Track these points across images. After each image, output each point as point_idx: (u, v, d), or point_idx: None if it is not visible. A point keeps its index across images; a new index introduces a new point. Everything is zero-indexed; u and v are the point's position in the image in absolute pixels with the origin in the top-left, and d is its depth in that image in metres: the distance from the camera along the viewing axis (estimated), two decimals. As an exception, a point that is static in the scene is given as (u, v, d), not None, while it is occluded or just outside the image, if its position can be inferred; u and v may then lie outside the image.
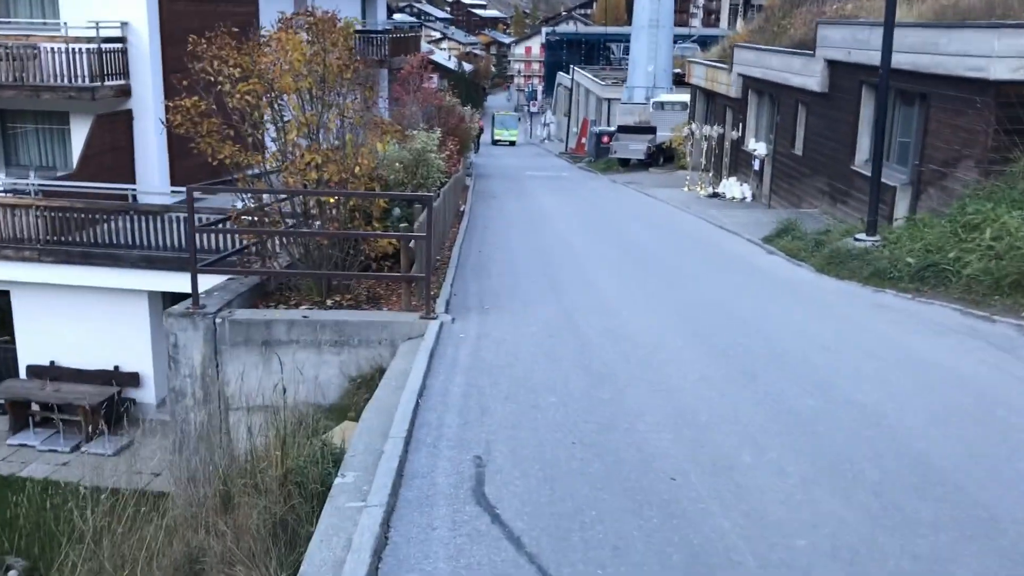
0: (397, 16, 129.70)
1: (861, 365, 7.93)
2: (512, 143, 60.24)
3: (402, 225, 11.90)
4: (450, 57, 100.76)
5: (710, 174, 25.24)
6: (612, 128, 36.72)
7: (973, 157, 13.34)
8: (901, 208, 15.37)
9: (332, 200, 10.68)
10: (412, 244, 10.41)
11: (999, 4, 15.86)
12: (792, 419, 6.64)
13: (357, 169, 10.82)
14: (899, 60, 15.39)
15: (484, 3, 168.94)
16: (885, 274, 11.21)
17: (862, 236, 12.62)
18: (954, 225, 11.38)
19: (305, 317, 9.23)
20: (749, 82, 24.04)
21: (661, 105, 35.33)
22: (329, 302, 10.34)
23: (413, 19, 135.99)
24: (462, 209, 20.75)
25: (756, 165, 22.90)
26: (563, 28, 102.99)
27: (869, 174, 16.75)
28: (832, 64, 18.46)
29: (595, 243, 16.10)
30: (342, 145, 10.88)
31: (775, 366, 7.95)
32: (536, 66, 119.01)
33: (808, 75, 19.27)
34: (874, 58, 16.29)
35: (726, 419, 6.62)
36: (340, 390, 8.89)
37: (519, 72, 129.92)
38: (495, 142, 59.76)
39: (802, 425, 6.51)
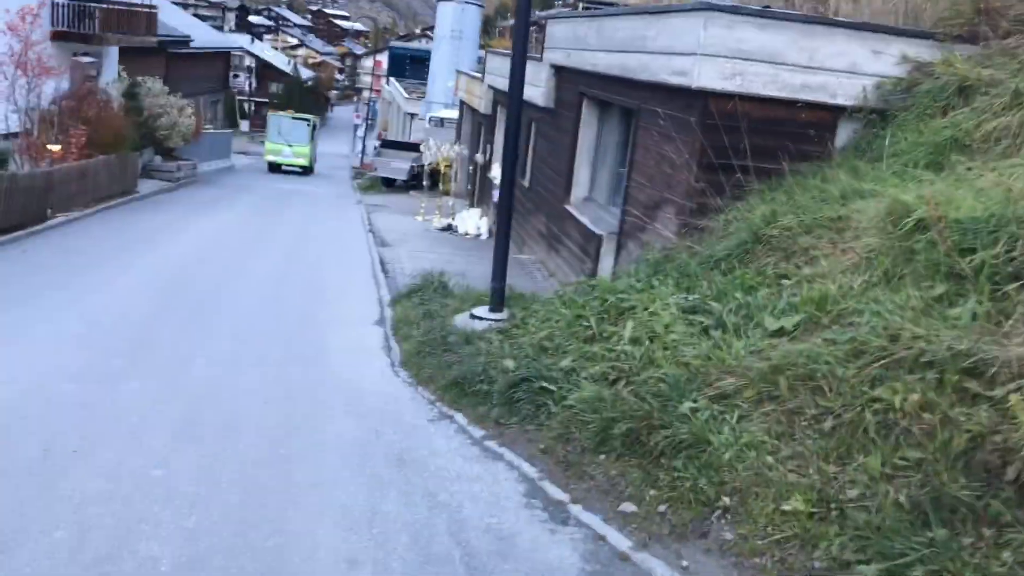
0: (252, 18, 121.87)
1: None
2: (304, 168, 37.94)
3: None
4: (290, 62, 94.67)
5: (451, 203, 20.68)
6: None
7: (674, 202, 9.11)
8: (606, 265, 11.04)
9: None
10: None
11: None
12: None
13: None
14: (609, 62, 11.19)
15: (347, 15, 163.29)
16: (471, 384, 6.59)
17: (481, 312, 8.06)
18: (599, 308, 6.91)
19: None
20: (498, 95, 19.57)
21: (440, 122, 30.56)
22: None
23: (269, 22, 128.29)
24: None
25: (495, 195, 18.45)
26: (412, 44, 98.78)
27: (580, 218, 12.58)
28: (558, 71, 14.18)
29: (166, 312, 10.46)
30: None
31: None
32: (384, 80, 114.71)
33: (536, 85, 14.91)
34: (591, 61, 12.07)
35: None
36: None
37: (368, 85, 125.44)
38: (271, 166, 37.65)
39: None
